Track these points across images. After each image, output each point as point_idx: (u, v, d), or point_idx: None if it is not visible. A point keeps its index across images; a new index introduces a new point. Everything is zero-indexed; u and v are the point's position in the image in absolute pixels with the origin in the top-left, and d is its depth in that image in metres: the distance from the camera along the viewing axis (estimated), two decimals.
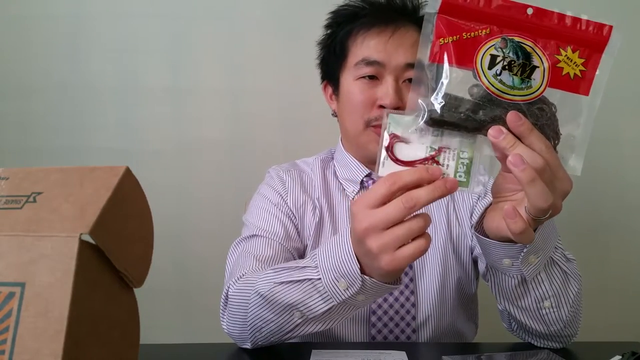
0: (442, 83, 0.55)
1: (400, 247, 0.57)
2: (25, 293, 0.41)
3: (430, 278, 0.94)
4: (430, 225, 0.94)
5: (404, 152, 0.58)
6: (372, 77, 0.91)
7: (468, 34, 0.55)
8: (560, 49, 0.56)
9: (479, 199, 0.98)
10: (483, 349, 0.86)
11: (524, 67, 0.55)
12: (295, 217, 0.97)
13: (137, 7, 1.49)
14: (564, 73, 0.57)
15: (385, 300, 0.91)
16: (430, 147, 0.57)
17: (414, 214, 0.57)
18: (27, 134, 1.50)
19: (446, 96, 0.55)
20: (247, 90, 1.50)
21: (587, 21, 0.56)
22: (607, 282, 1.56)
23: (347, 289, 0.64)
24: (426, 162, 0.57)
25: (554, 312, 0.75)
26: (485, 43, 0.55)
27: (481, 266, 0.96)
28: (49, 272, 0.41)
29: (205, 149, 1.50)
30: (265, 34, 1.49)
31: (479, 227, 0.69)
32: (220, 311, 0.85)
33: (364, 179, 0.99)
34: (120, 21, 1.49)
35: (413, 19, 0.94)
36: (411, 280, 0.92)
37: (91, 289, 0.43)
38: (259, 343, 0.79)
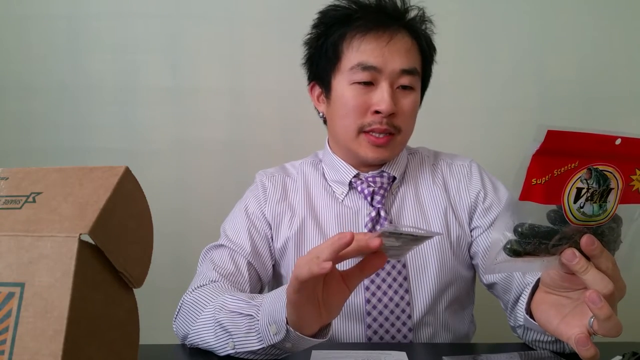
0: (527, 218, 0.55)
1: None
2: (25, 293, 0.41)
3: (426, 277, 0.93)
4: (427, 226, 0.95)
5: None
6: (367, 83, 0.91)
7: (559, 170, 0.54)
8: (636, 170, 0.56)
9: (476, 199, 0.98)
10: (483, 349, 0.86)
11: (602, 192, 0.55)
12: (270, 228, 0.98)
13: (137, 7, 1.49)
14: (634, 189, 0.57)
15: (379, 300, 0.90)
16: None
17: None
18: (28, 134, 1.50)
19: (526, 227, 0.55)
20: (247, 90, 1.50)
21: None
22: None
23: (275, 334, 0.68)
24: None
25: None
26: (573, 176, 0.54)
27: (478, 266, 0.97)
28: (49, 273, 0.41)
29: (205, 149, 1.50)
30: (265, 33, 1.49)
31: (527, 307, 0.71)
32: (175, 313, 0.88)
33: (352, 180, 0.98)
34: (120, 21, 1.49)
35: (403, 23, 0.94)
36: (405, 279, 0.92)
37: (91, 289, 0.43)
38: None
